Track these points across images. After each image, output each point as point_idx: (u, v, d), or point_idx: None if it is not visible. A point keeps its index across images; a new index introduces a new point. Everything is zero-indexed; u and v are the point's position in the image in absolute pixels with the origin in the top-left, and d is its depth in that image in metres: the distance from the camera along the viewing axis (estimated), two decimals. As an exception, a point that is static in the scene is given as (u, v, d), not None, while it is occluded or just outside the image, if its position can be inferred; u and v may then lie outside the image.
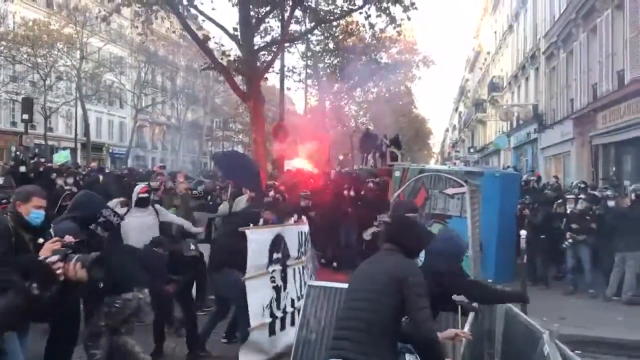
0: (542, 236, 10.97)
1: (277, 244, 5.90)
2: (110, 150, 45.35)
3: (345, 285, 3.92)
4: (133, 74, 43.64)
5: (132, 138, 44.72)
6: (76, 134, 37.22)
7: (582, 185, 13.04)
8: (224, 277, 5.87)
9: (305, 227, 6.65)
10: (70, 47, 33.75)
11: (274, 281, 5.82)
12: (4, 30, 31.55)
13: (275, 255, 5.84)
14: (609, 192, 11.32)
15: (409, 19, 15.85)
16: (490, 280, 6.43)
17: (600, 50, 17.32)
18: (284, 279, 5.99)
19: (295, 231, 6.44)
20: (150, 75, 46.16)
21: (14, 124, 35.08)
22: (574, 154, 20.58)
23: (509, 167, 25.86)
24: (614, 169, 16.10)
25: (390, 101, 40.80)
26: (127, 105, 46.03)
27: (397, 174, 11.08)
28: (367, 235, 11.33)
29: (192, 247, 6.03)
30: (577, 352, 7.59)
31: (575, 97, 20.17)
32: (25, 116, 21.94)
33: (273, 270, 5.85)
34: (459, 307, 4.63)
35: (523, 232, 9.05)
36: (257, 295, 5.54)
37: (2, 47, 30.76)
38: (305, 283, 5.87)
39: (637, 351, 7.54)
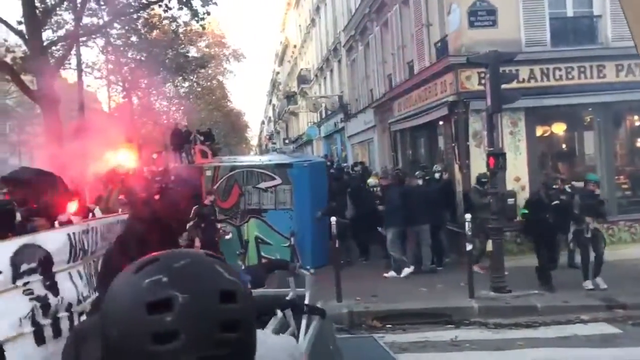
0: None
1: (28, 254, 5.48)
2: None
3: None
4: None
5: None
6: None
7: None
8: None
9: (78, 227, 6.20)
10: None
11: (31, 293, 5.38)
12: None
13: (25, 267, 5.42)
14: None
15: (208, 13, 15.67)
16: (308, 267, 6.56)
17: (392, 43, 18.67)
18: (51, 286, 5.55)
19: (61, 235, 6.00)
20: None
21: None
22: (376, 140, 21.95)
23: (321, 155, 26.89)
24: (410, 152, 17.51)
25: (203, 96, 40.28)
26: None
27: (209, 173, 10.92)
28: (182, 240, 11.00)
29: None
30: (388, 325, 8.26)
31: (374, 87, 21.45)
32: None
33: (26, 282, 5.42)
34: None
35: (333, 218, 9.53)
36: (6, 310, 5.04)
37: None
38: (90, 282, 5.54)
39: (437, 317, 8.36)
